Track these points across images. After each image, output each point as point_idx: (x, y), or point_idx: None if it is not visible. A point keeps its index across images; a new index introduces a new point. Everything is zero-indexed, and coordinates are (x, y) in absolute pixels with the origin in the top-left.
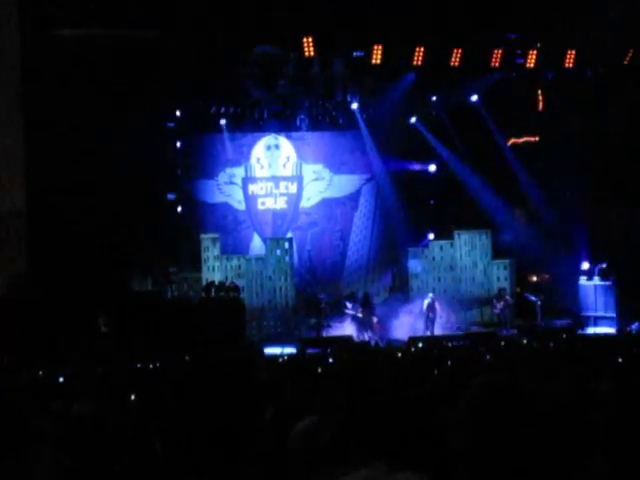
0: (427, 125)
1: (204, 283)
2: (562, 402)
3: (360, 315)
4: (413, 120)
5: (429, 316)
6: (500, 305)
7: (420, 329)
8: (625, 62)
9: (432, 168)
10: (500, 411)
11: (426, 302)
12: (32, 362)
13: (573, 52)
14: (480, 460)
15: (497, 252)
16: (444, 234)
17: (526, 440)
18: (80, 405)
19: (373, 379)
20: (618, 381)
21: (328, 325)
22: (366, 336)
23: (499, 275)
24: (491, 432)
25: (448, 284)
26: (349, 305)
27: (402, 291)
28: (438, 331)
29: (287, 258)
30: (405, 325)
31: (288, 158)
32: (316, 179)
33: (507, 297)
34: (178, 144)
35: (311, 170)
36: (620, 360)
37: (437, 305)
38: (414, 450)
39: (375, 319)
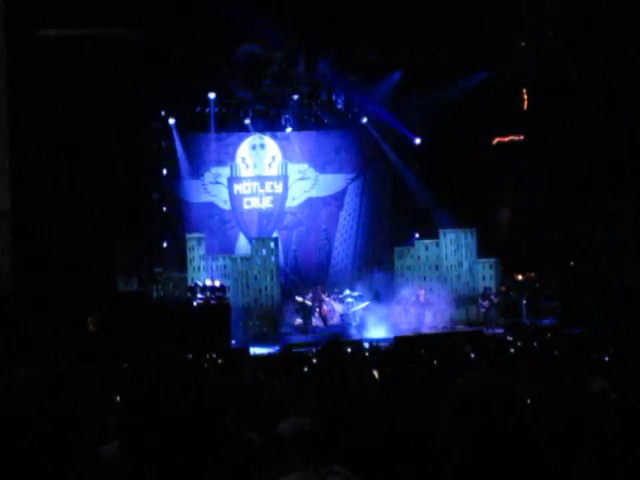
0: (413, 124)
1: (189, 283)
2: (549, 402)
3: (309, 303)
4: (398, 118)
5: (419, 309)
6: (485, 304)
7: (407, 327)
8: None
9: (417, 167)
10: (485, 410)
11: (413, 296)
12: (16, 362)
13: (556, 50)
14: (465, 460)
15: (482, 251)
16: (429, 233)
17: (512, 439)
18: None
19: (358, 379)
20: (608, 380)
21: (314, 325)
22: (314, 321)
23: (484, 274)
24: (476, 432)
25: (434, 283)
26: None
27: (388, 290)
28: (425, 329)
29: (273, 258)
30: (391, 324)
31: (273, 158)
32: (301, 179)
33: (492, 296)
34: (163, 144)
35: (296, 170)
36: (604, 359)
37: (423, 299)
38: (397, 450)
39: (325, 307)
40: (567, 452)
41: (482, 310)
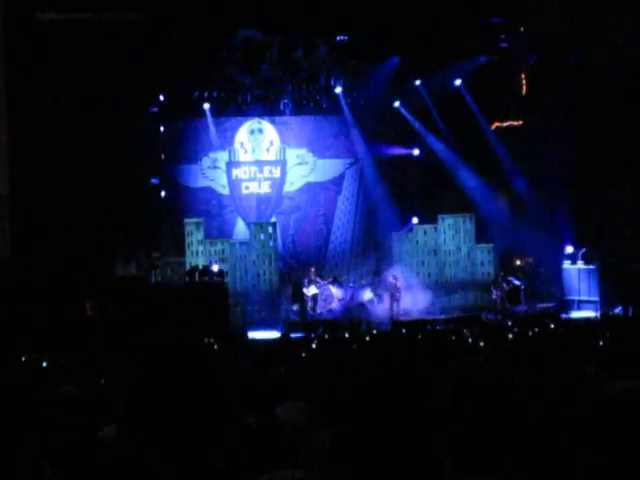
0: (411, 109)
1: (188, 267)
2: (543, 386)
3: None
4: (397, 104)
5: (394, 296)
6: (497, 292)
7: (384, 315)
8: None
9: (416, 152)
10: (478, 393)
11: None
12: (15, 347)
13: (556, 35)
14: (462, 440)
15: (480, 236)
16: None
17: (505, 422)
18: (66, 390)
19: (356, 364)
20: (602, 365)
21: (312, 309)
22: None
23: (483, 259)
24: (470, 413)
25: (432, 268)
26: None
27: (385, 275)
28: (420, 315)
29: (271, 242)
30: (390, 308)
31: (272, 142)
32: (300, 163)
33: (504, 284)
34: (162, 129)
35: (295, 154)
36: (601, 343)
37: (399, 283)
38: (395, 434)
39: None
40: (561, 435)
41: (493, 297)
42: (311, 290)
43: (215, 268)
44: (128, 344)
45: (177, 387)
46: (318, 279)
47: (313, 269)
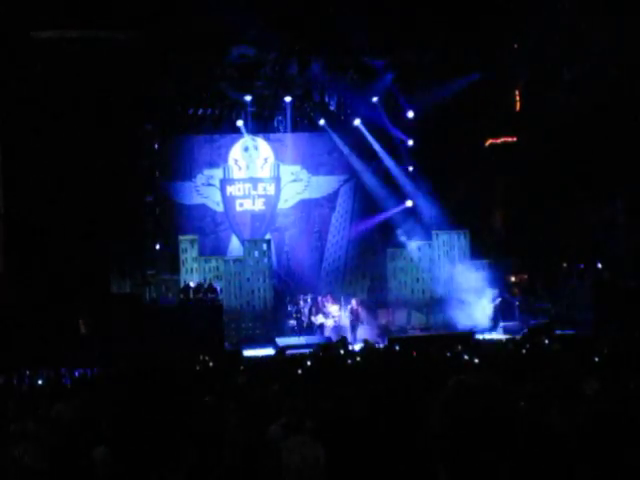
0: (405, 125)
1: (182, 285)
2: (540, 403)
3: (305, 306)
4: (390, 120)
5: (352, 323)
6: (492, 308)
7: (397, 329)
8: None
9: (410, 168)
10: (475, 410)
11: (347, 310)
12: (10, 364)
13: (550, 52)
14: (455, 458)
15: (475, 252)
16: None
17: (500, 439)
18: (60, 407)
19: (352, 381)
20: (601, 382)
21: (307, 326)
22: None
23: (477, 276)
24: (465, 432)
25: (427, 285)
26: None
27: (380, 292)
28: (413, 332)
29: (265, 259)
30: (382, 325)
31: (266, 159)
32: (294, 180)
33: (498, 300)
34: (156, 146)
35: (289, 171)
36: (597, 360)
37: (360, 310)
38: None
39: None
40: (561, 451)
41: (489, 314)
42: (319, 319)
43: (191, 284)
44: (115, 367)
45: (160, 411)
46: (321, 298)
47: (329, 297)
